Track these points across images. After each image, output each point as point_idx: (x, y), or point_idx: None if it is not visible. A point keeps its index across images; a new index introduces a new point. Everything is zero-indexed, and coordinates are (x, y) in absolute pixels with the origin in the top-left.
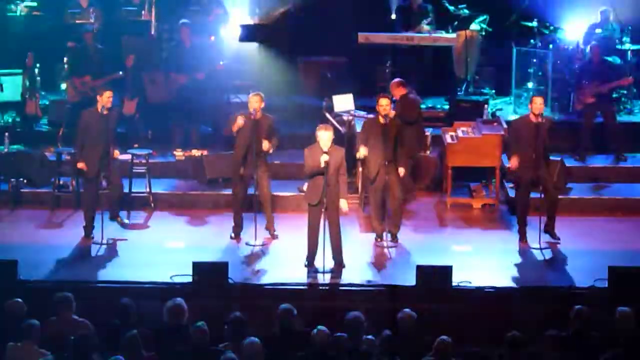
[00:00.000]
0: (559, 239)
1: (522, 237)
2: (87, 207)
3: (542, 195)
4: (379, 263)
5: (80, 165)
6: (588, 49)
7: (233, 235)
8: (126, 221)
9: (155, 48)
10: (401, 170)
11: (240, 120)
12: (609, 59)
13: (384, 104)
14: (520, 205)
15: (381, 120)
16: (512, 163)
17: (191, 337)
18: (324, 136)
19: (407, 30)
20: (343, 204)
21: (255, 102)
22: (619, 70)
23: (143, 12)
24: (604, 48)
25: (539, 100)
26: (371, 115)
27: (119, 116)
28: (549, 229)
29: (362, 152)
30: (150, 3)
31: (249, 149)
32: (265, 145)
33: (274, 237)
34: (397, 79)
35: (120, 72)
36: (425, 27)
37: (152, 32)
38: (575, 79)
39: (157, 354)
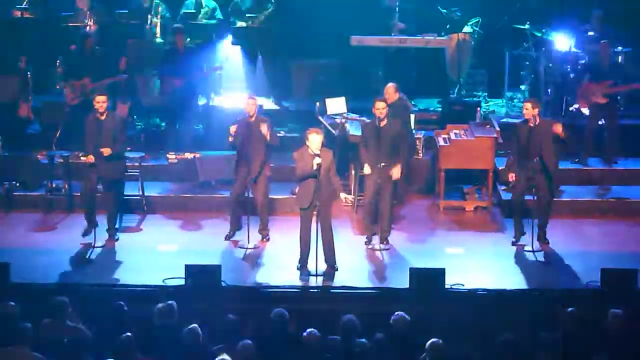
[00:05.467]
0: (547, 242)
1: (517, 239)
2: (85, 207)
3: (534, 198)
4: (371, 266)
5: (89, 158)
6: (600, 46)
7: (229, 235)
8: (116, 237)
9: (149, 51)
10: (396, 172)
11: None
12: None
13: (380, 107)
14: (515, 208)
15: (376, 123)
16: (510, 177)
17: (183, 338)
18: (316, 139)
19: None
20: (343, 195)
21: (250, 105)
22: (629, 71)
23: (150, 16)
24: (596, 50)
25: (527, 105)
26: (364, 118)
27: (117, 121)
28: (539, 234)
29: (366, 170)
30: (157, 7)
31: (248, 153)
32: (264, 128)
33: (265, 239)
34: (393, 84)
35: (125, 75)
36: (400, 25)
37: (157, 35)
38: (581, 77)
39: (150, 357)
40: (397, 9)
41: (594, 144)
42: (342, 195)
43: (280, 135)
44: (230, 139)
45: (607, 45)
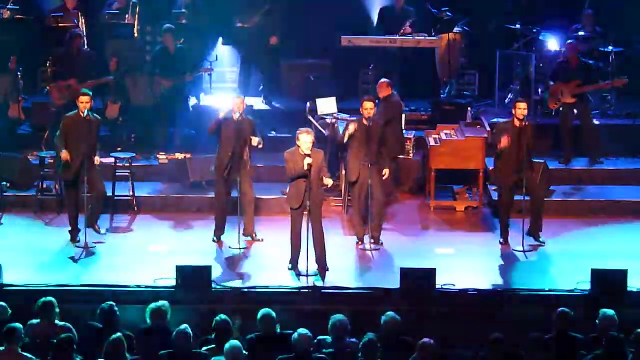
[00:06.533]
0: (543, 243)
1: (505, 240)
2: (70, 212)
3: (527, 198)
4: (362, 266)
5: (64, 155)
6: (567, 46)
7: (215, 239)
8: (103, 231)
9: (138, 51)
10: (386, 171)
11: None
12: (591, 62)
13: (368, 107)
14: (503, 208)
15: (365, 122)
16: (503, 142)
17: (174, 339)
18: (307, 140)
19: (390, 32)
20: (327, 180)
21: (238, 104)
22: (598, 71)
23: (127, 15)
24: (587, 50)
25: (522, 105)
26: (354, 119)
27: (100, 123)
28: (534, 232)
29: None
30: (134, 7)
31: (232, 152)
32: (255, 141)
33: (255, 240)
34: (386, 80)
35: (112, 77)
36: (408, 29)
37: (136, 35)
38: (551, 77)
39: (141, 358)
40: (411, 13)
41: (578, 144)
42: (327, 180)
43: (272, 135)
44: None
45: (574, 46)
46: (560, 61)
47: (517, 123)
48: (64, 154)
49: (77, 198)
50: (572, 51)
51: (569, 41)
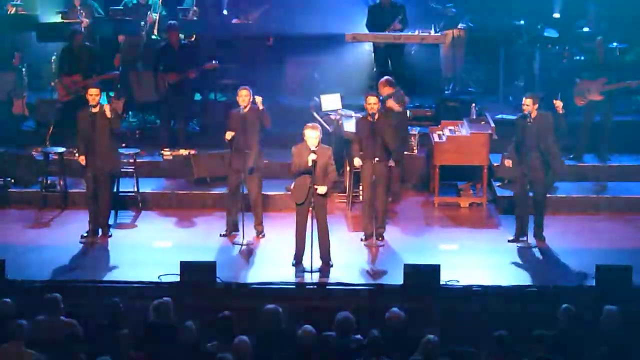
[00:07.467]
0: (544, 238)
1: (516, 238)
2: (88, 209)
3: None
4: (366, 262)
5: (81, 158)
6: (596, 43)
7: (223, 233)
8: (110, 233)
9: (143, 47)
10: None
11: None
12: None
13: (371, 102)
14: (517, 204)
15: (369, 118)
16: (506, 162)
17: (179, 336)
18: (312, 135)
19: (379, 30)
20: (321, 189)
21: (244, 96)
22: (625, 67)
23: (148, 12)
24: (589, 47)
25: (527, 101)
26: (360, 115)
27: (108, 109)
28: (536, 235)
29: (357, 162)
30: (155, 4)
31: (241, 144)
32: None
33: (260, 235)
34: (385, 77)
35: (117, 72)
36: (398, 26)
37: (155, 33)
38: (576, 74)
39: (145, 354)
40: (400, 10)
41: (592, 141)
42: (320, 188)
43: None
44: (228, 137)
45: (602, 42)
46: (586, 57)
47: (527, 117)
48: (81, 159)
49: (94, 193)
50: (600, 47)
51: (599, 37)
